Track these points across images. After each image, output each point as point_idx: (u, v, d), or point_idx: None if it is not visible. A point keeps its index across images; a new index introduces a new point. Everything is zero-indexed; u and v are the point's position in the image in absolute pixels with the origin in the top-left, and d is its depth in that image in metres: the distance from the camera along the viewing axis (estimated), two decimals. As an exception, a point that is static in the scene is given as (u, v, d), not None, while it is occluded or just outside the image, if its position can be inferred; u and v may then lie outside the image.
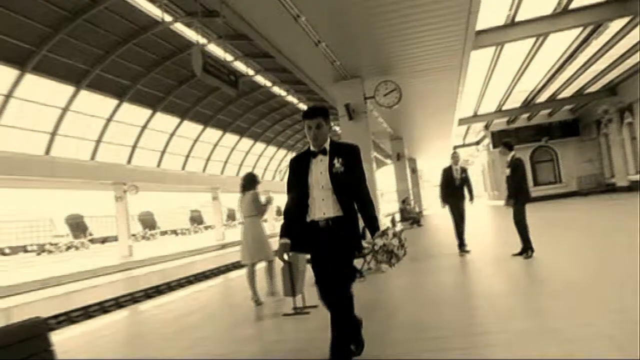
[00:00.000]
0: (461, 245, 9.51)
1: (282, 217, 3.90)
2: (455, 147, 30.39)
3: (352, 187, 3.48)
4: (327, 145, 3.55)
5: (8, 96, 18.14)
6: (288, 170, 3.75)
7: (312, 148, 3.57)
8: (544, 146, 29.17)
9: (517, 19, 12.25)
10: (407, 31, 9.69)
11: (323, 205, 3.46)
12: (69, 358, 5.01)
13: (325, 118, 3.53)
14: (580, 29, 13.79)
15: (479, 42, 12.04)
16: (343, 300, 3.40)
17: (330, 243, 3.43)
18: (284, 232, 3.57)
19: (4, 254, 48.17)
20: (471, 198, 9.50)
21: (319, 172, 3.49)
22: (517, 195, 8.19)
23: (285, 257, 3.60)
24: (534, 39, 13.95)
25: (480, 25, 11.10)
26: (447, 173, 9.51)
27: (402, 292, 7.29)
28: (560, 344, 3.71)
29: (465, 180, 9.44)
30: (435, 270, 8.57)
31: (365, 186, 3.56)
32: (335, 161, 3.46)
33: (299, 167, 3.59)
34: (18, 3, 15.39)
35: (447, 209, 9.69)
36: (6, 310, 13.42)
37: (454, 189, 9.39)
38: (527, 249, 8.13)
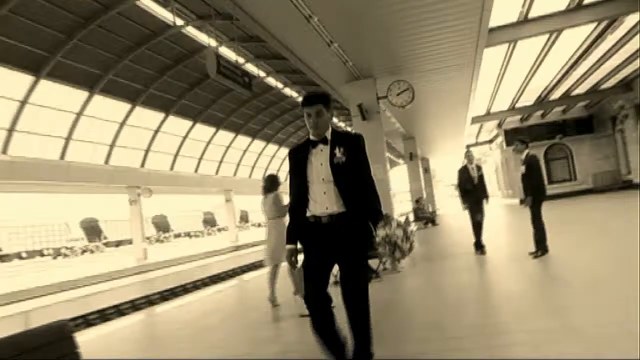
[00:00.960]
0: (478, 244, 9.43)
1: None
2: (469, 146, 30.19)
3: (356, 179, 3.20)
4: (328, 134, 3.28)
5: (24, 102, 18.37)
6: (288, 163, 3.46)
7: (312, 137, 3.30)
8: (558, 143, 28.87)
9: (530, 16, 12.13)
10: (420, 30, 9.64)
11: (325, 200, 3.17)
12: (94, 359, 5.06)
13: (326, 105, 3.26)
14: (595, 24, 13.62)
15: (492, 39, 11.94)
16: (360, 304, 3.15)
17: (335, 242, 3.15)
18: (291, 236, 3.33)
19: (21, 258, 48.78)
20: (486, 197, 9.40)
21: (319, 163, 3.21)
22: (534, 193, 8.10)
23: (295, 263, 3.35)
24: (547, 35, 13.81)
25: (493, 22, 11.02)
26: (464, 172, 9.42)
27: (419, 291, 7.24)
28: (584, 343, 3.65)
29: (481, 179, 9.35)
30: (452, 270, 8.51)
31: (371, 178, 3.28)
32: (337, 151, 3.18)
33: (298, 159, 3.32)
34: (32, 10, 15.59)
35: (464, 208, 9.56)
36: (25, 313, 13.58)
37: (472, 187, 9.29)
38: (540, 249, 8.03)
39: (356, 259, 3.20)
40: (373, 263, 7.60)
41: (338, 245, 3.15)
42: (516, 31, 12.42)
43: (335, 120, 33.62)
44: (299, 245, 3.37)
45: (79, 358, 2.66)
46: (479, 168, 9.41)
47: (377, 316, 5.46)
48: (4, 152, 18.74)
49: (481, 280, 7.69)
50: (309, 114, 3.22)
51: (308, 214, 3.25)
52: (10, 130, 18.70)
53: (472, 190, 9.28)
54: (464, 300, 5.99)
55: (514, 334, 4.22)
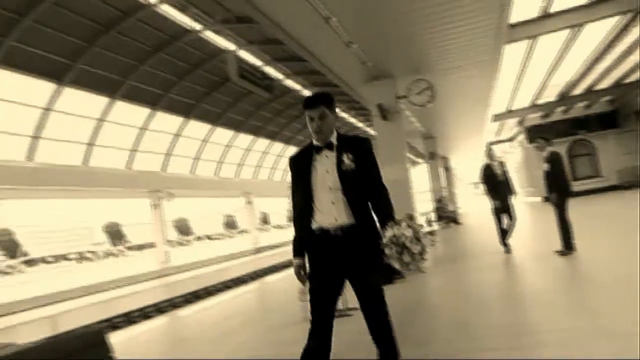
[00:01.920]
0: (504, 243, 9.29)
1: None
2: (489, 144, 29.87)
3: (366, 186, 2.92)
4: (333, 139, 2.98)
5: (47, 109, 18.71)
6: (290, 172, 3.16)
7: (315, 142, 3.00)
8: (581, 140, 28.38)
9: (551, 10, 11.96)
10: (439, 28, 9.55)
11: (333, 210, 2.87)
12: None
13: (330, 106, 2.97)
14: (618, 16, 13.37)
15: (513, 35, 11.81)
16: (381, 319, 2.89)
17: (345, 258, 2.85)
18: (298, 249, 3.03)
19: (47, 262, 49.69)
20: (513, 193, 9.26)
21: (325, 170, 2.92)
22: (558, 190, 7.96)
23: (305, 278, 3.04)
24: (569, 30, 13.59)
25: (513, 18, 10.89)
26: (488, 170, 9.31)
27: (444, 291, 7.17)
28: (614, 342, 3.56)
29: (505, 175, 9.22)
30: (477, 269, 8.42)
31: (383, 184, 2.99)
32: (345, 157, 2.89)
33: (300, 166, 3.02)
34: (53, 18, 15.86)
35: (492, 206, 9.41)
36: (52, 317, 13.81)
37: (498, 184, 9.16)
38: (567, 247, 7.88)
39: (370, 276, 2.91)
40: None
41: (348, 260, 2.86)
42: (537, 26, 12.26)
43: (353, 120, 33.56)
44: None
45: (114, 362, 2.68)
46: (502, 164, 9.29)
47: (403, 316, 5.45)
48: (29, 158, 19.10)
49: (507, 279, 7.59)
50: (311, 118, 2.94)
51: (314, 225, 2.94)
52: (35, 137, 19.05)
53: (496, 188, 9.17)
54: (489, 300, 5.91)
55: (541, 334, 4.14)
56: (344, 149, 2.93)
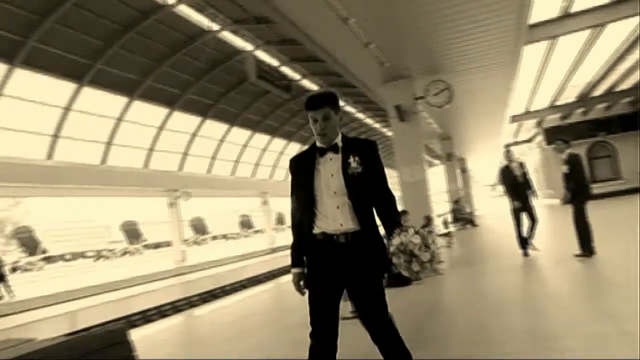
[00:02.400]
0: (523, 244, 9.18)
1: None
2: (507, 145, 29.58)
3: (373, 191, 2.77)
4: (339, 141, 2.81)
5: (67, 109, 18.97)
6: (290, 175, 3.00)
7: (319, 144, 2.83)
8: (601, 141, 27.94)
9: (572, 10, 11.80)
10: (458, 28, 9.49)
11: (339, 216, 2.71)
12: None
13: (334, 106, 2.77)
14: (640, 16, 13.15)
15: (532, 36, 11.69)
16: (390, 334, 2.70)
17: (348, 265, 2.69)
18: (295, 261, 2.89)
19: (66, 260, 50.40)
20: (534, 195, 9.13)
21: (329, 174, 2.75)
22: (576, 192, 7.85)
23: (303, 289, 2.87)
24: (589, 30, 13.40)
25: (533, 18, 10.77)
26: (506, 172, 9.21)
27: (461, 294, 7.11)
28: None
29: (525, 177, 9.11)
30: (495, 272, 8.33)
31: (389, 190, 2.84)
32: (351, 160, 2.72)
33: (303, 169, 2.87)
34: (73, 19, 16.07)
35: (512, 208, 9.29)
36: (71, 313, 14.01)
37: (518, 186, 9.06)
38: (586, 251, 7.75)
39: (374, 285, 2.72)
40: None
41: (351, 268, 2.70)
42: (557, 27, 12.12)
43: (370, 121, 33.46)
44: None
45: (135, 361, 2.70)
46: (521, 166, 9.18)
47: (420, 319, 5.42)
48: (49, 157, 19.39)
49: (525, 282, 7.49)
50: (314, 119, 2.75)
51: (316, 230, 2.77)
52: (55, 137, 19.33)
53: (517, 190, 9.06)
54: (508, 303, 5.84)
55: (564, 339, 4.07)
56: (350, 151, 2.77)
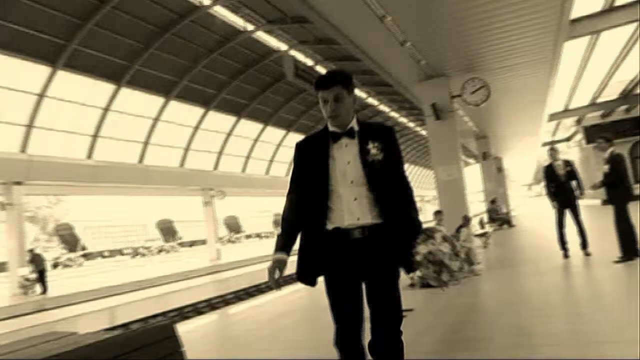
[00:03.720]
0: (563, 245, 8.93)
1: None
2: (550, 143, 28.90)
3: (393, 182, 2.48)
4: (354, 125, 2.51)
5: (106, 109, 19.44)
6: (293, 159, 2.66)
7: (331, 128, 2.52)
8: (645, 140, 26.98)
9: (616, 3, 11.40)
10: (496, 24, 9.29)
11: (356, 208, 2.40)
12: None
13: (347, 86, 2.47)
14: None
15: (574, 31, 11.32)
16: (392, 349, 2.42)
17: (366, 262, 2.41)
18: (281, 245, 2.52)
19: (104, 257, 51.70)
20: (580, 190, 8.85)
21: (346, 161, 2.44)
22: (618, 193, 7.59)
23: (280, 282, 2.52)
24: (635, 24, 12.92)
25: (575, 12, 10.44)
26: (548, 170, 8.99)
27: (500, 296, 6.95)
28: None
29: (572, 174, 8.84)
30: (533, 273, 8.12)
31: (408, 182, 2.56)
32: (370, 146, 2.43)
33: (311, 155, 2.53)
34: (112, 21, 16.48)
35: (553, 207, 9.05)
36: (112, 309, 14.38)
37: (559, 185, 8.82)
38: (631, 254, 7.46)
39: (392, 286, 2.45)
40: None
41: (368, 265, 2.41)
42: (601, 21, 11.69)
43: (404, 120, 33.17)
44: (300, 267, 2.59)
45: (184, 357, 2.72)
46: (567, 164, 8.92)
47: (459, 319, 5.33)
48: (89, 157, 19.92)
49: (566, 284, 7.29)
50: (325, 100, 2.45)
51: (328, 225, 2.45)
52: (94, 136, 19.84)
53: (558, 189, 8.83)
54: (550, 306, 5.67)
55: (612, 344, 3.93)
56: (367, 137, 2.47)
